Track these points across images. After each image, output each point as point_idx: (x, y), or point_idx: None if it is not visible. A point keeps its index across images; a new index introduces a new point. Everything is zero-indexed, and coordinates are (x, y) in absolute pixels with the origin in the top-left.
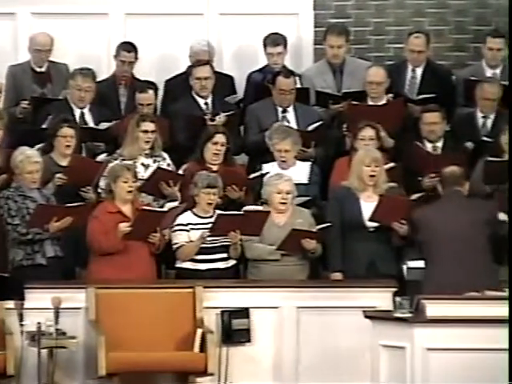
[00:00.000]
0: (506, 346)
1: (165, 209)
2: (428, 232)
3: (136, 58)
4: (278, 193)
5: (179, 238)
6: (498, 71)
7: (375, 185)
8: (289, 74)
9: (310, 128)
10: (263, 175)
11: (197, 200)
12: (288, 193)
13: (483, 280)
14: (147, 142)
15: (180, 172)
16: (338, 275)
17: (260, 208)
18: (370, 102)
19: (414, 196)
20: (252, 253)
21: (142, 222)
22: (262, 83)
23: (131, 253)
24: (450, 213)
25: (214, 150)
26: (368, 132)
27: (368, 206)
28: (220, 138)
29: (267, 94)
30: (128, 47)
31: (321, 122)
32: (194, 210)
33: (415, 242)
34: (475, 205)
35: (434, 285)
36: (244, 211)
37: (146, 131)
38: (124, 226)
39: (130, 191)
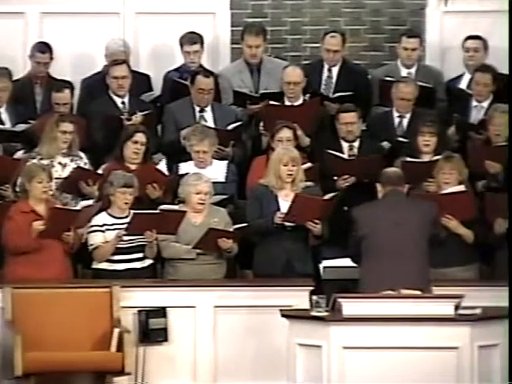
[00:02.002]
0: (423, 344)
1: (78, 207)
2: (366, 230)
3: (51, 59)
4: (197, 193)
5: (95, 239)
6: (412, 71)
7: (293, 183)
8: (208, 73)
9: (230, 127)
10: (182, 175)
11: (112, 200)
12: (206, 193)
13: (414, 279)
14: (65, 142)
15: (100, 171)
16: None
17: (176, 207)
18: (287, 102)
19: (327, 196)
20: (168, 252)
21: (54, 220)
22: (179, 82)
23: (46, 252)
24: (387, 212)
25: (134, 148)
26: (285, 133)
27: (286, 204)
28: (140, 137)
29: (184, 93)
30: (42, 48)
31: (240, 123)
32: (109, 210)
33: (353, 239)
34: (414, 205)
35: (367, 282)
36: (160, 210)
37: (64, 132)
38: (38, 224)
39: (44, 191)
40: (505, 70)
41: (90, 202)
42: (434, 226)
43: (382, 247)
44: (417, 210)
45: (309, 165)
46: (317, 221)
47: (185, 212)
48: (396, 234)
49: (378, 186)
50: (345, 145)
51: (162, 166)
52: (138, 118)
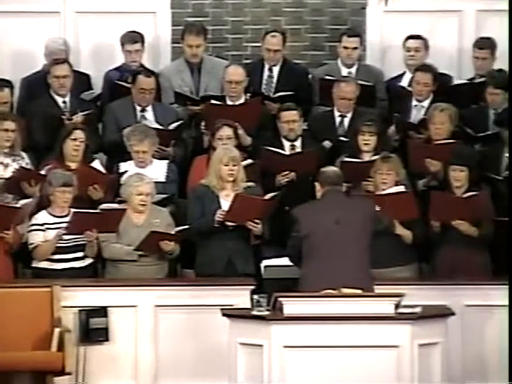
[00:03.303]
0: (364, 342)
1: (17, 205)
2: (305, 230)
3: None
4: (138, 194)
5: (35, 238)
6: (353, 70)
7: (234, 183)
8: (149, 73)
9: (171, 127)
10: (122, 173)
11: (52, 199)
12: (148, 195)
13: (354, 278)
14: (7, 140)
15: (42, 172)
16: None
17: (116, 205)
18: (229, 102)
19: (268, 196)
20: (109, 253)
21: None
22: (119, 82)
23: None
24: (328, 211)
25: (73, 146)
26: (225, 131)
27: (227, 204)
28: (78, 133)
29: (124, 93)
30: None
31: (181, 122)
32: (50, 209)
33: (293, 239)
34: (354, 203)
35: (308, 282)
36: (100, 209)
37: (6, 130)
38: None
39: None
40: (445, 70)
41: (30, 200)
42: (374, 223)
43: (324, 247)
44: (357, 209)
45: (249, 161)
46: (257, 220)
47: (125, 210)
48: (337, 233)
49: (317, 186)
50: (286, 144)
51: (97, 164)
52: (78, 117)
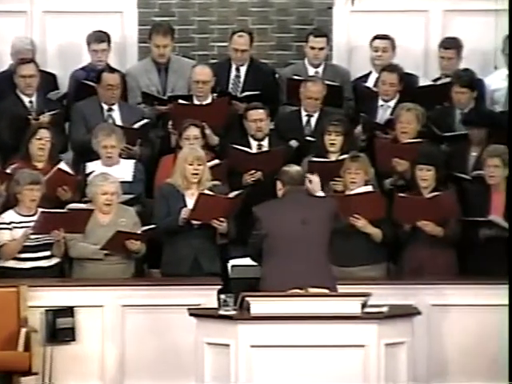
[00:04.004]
0: (330, 342)
1: None
2: (267, 229)
3: None
4: (103, 194)
5: (1, 237)
6: (320, 70)
7: (199, 182)
8: (112, 70)
9: (136, 126)
10: (89, 174)
11: (19, 198)
12: (113, 194)
13: (317, 278)
14: None
15: (8, 171)
16: None
17: (83, 206)
18: (196, 102)
19: (232, 194)
20: (75, 252)
21: None
22: (86, 81)
23: None
24: (290, 210)
25: (39, 145)
26: (192, 131)
27: (192, 202)
28: (44, 133)
29: (90, 93)
30: None
31: (146, 120)
32: (17, 208)
33: (254, 238)
34: (315, 202)
35: (269, 281)
36: (67, 209)
37: None
38: None
39: None
40: (411, 70)
41: None
42: (334, 221)
43: (285, 245)
44: (318, 208)
45: (215, 162)
46: (222, 219)
47: (92, 210)
48: (300, 232)
49: (279, 184)
50: (254, 143)
51: (63, 165)
52: (45, 117)
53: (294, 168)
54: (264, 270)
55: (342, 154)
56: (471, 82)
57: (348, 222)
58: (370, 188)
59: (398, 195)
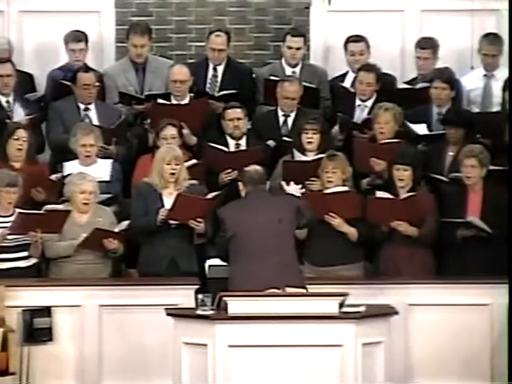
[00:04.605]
0: (308, 342)
1: None
2: (233, 229)
3: None
4: (81, 193)
5: None
6: (297, 70)
7: (176, 182)
8: (87, 69)
9: (112, 125)
10: (67, 175)
11: None
12: (91, 193)
13: (287, 277)
14: None
15: None
16: None
17: (61, 207)
18: (174, 101)
19: (210, 195)
20: (51, 252)
21: None
22: (63, 81)
23: None
24: (254, 210)
25: (17, 145)
26: (169, 131)
27: (170, 202)
28: (21, 132)
29: (68, 92)
30: None
31: (122, 119)
32: None
33: (220, 239)
34: (279, 201)
35: (238, 281)
36: (44, 210)
37: None
38: None
39: None
40: (388, 70)
41: None
42: (300, 218)
43: (251, 245)
44: (281, 206)
45: (193, 162)
46: (199, 219)
47: (69, 211)
48: (264, 231)
49: (240, 185)
50: (231, 142)
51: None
52: (23, 121)
53: (253, 168)
54: (231, 269)
55: (319, 153)
56: (452, 79)
57: (323, 219)
58: (345, 188)
59: (371, 197)
